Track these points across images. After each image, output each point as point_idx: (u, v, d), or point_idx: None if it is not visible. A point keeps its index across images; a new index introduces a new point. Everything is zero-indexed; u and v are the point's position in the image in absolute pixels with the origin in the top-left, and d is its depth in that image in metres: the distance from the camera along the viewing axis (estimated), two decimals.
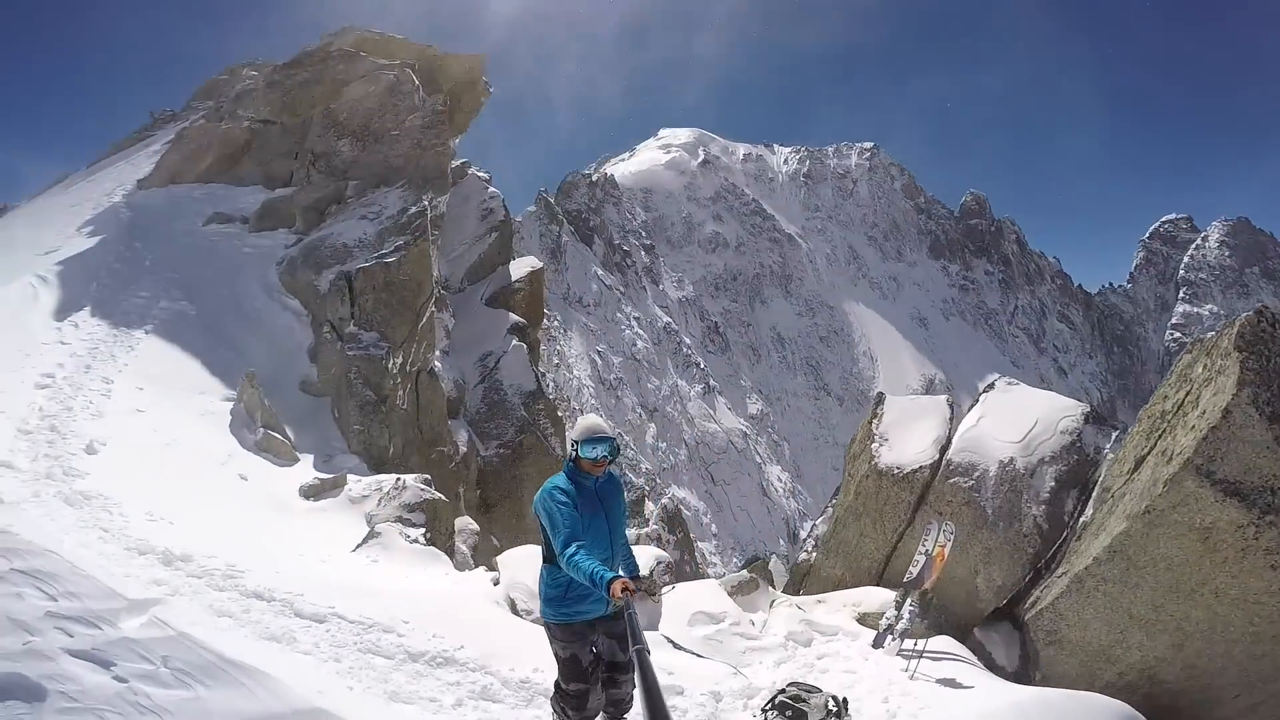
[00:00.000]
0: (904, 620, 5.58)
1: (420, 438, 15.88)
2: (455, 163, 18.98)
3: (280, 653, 4.08)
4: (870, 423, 9.83)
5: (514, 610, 5.94)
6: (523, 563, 6.79)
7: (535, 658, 4.69)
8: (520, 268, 22.36)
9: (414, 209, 14.02)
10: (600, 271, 78.96)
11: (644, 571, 6.71)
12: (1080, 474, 7.66)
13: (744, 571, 8.20)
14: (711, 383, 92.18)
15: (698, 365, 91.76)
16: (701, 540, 66.74)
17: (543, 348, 70.52)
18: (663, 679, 4.30)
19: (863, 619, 6.49)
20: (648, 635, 5.65)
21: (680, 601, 6.06)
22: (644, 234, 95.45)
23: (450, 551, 10.42)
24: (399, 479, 10.28)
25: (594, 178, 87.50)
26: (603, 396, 73.84)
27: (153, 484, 8.21)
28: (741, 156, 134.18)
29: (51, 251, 16.41)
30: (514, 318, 21.66)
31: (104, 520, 6.24)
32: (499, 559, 7.30)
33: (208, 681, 3.29)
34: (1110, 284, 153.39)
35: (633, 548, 7.14)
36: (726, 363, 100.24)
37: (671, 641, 5.34)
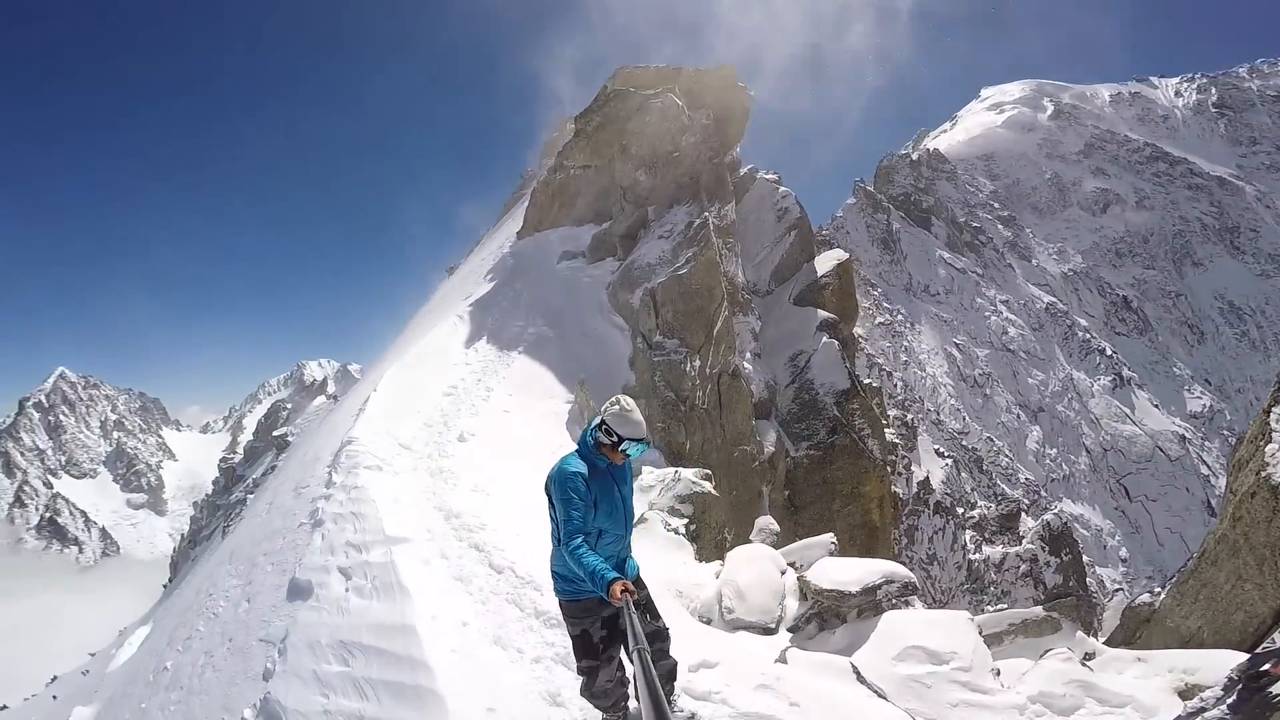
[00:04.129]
0: (1222, 707, 3.82)
1: (723, 436, 16.71)
2: (743, 170, 19.48)
3: (451, 590, 5.10)
4: (1266, 413, 6.91)
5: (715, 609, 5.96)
6: (743, 562, 6.74)
7: None
8: (825, 262, 21.67)
9: (696, 221, 14.96)
10: (947, 255, 69.68)
11: (855, 589, 5.89)
12: None
13: (1038, 608, 6.58)
14: (1126, 373, 73.11)
15: (1101, 352, 73.82)
16: (1102, 565, 53.11)
17: (886, 344, 65.84)
18: (786, 713, 3.87)
19: (1188, 693, 4.61)
20: (837, 659, 5.06)
21: (897, 630, 5.20)
22: (997, 205, 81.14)
23: (721, 544, 10.82)
24: (677, 472, 11.11)
25: (914, 156, 77.94)
26: (966, 396, 65.12)
27: (491, 465, 10.62)
28: (1107, 99, 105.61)
29: (469, 296, 22.32)
30: (823, 314, 21.10)
31: (439, 488, 8.41)
32: (729, 554, 7.38)
33: (380, 597, 4.43)
34: None
35: (866, 561, 6.45)
36: (1148, 346, 78.16)
37: (857, 672, 4.63)
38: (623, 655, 3.61)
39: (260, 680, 4.71)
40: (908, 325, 62.84)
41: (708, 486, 10.90)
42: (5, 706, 18.39)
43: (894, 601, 5.87)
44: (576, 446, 3.67)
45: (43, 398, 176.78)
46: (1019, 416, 66.66)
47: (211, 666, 5.30)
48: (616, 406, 3.51)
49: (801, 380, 20.41)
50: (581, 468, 3.47)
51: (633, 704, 3.67)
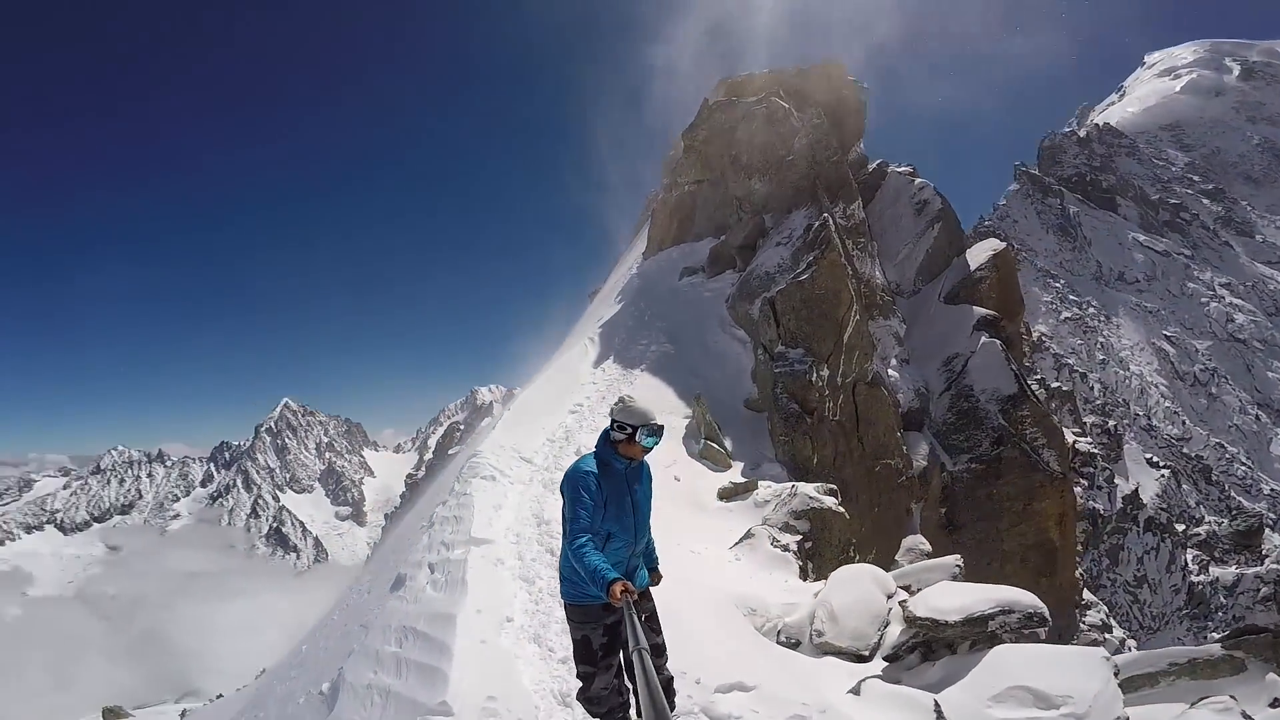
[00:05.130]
0: None
1: (861, 449, 15.58)
2: (871, 166, 18.21)
3: (511, 588, 5.36)
4: None
5: (802, 630, 5.46)
6: (844, 582, 6.16)
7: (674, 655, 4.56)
8: (979, 254, 19.66)
9: (816, 224, 14.23)
10: (1142, 237, 59.68)
11: (955, 618, 5.07)
12: None
13: (1214, 645, 5.33)
14: None
15: None
16: None
17: (1078, 342, 57.75)
18: None
19: None
20: (918, 695, 4.41)
21: (1003, 666, 4.38)
22: (1197, 178, 68.54)
23: (847, 564, 9.99)
24: (793, 486, 10.54)
25: (1082, 133, 67.97)
26: (1184, 396, 55.39)
27: None
28: None
29: (601, 318, 23.10)
30: (980, 312, 19.21)
31: (546, 497, 8.69)
32: (833, 573, 6.78)
33: (442, 590, 4.74)
34: None
35: (984, 588, 5.67)
36: None
37: (939, 711, 3.96)
38: (623, 662, 3.53)
39: (345, 659, 5.26)
40: (1102, 319, 54.73)
41: (830, 502, 10.21)
42: (220, 695, 21.90)
43: (1013, 634, 5.03)
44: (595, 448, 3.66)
45: (272, 424, 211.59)
46: (1258, 418, 55.35)
47: (326, 648, 6.02)
48: (620, 403, 3.51)
49: (958, 387, 18.61)
50: (594, 467, 3.48)
51: (632, 714, 3.53)
